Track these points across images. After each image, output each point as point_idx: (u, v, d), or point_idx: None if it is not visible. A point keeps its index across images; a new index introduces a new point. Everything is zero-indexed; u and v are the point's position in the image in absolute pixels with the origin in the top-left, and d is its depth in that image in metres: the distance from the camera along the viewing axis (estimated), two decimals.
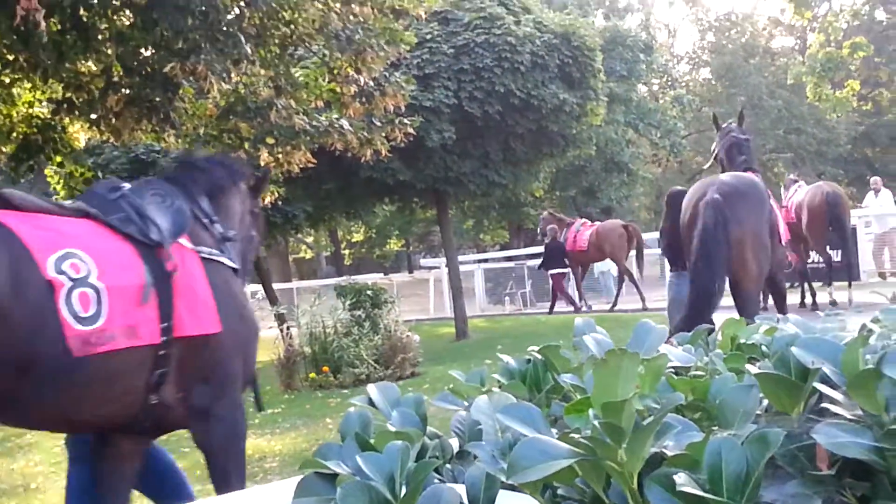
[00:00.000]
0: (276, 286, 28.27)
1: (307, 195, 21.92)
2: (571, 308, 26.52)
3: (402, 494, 1.44)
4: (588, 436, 1.31)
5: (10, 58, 10.25)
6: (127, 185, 5.26)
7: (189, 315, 4.85)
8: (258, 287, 24.84)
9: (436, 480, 1.55)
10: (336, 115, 12.19)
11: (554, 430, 1.47)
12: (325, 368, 16.38)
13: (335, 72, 11.81)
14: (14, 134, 11.92)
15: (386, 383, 1.96)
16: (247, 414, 5.35)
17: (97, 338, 4.39)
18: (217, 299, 5.05)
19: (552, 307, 26.92)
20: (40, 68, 10.06)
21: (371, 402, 1.89)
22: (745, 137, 11.42)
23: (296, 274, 58.61)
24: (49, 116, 11.89)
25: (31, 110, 12.00)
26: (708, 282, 9.66)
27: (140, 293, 4.64)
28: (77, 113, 11.25)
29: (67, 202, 5.12)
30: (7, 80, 11.02)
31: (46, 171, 15.18)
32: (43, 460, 8.75)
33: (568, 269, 26.97)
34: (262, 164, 11.99)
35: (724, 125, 11.86)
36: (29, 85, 11.36)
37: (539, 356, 2.04)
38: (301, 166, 12.43)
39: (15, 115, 11.81)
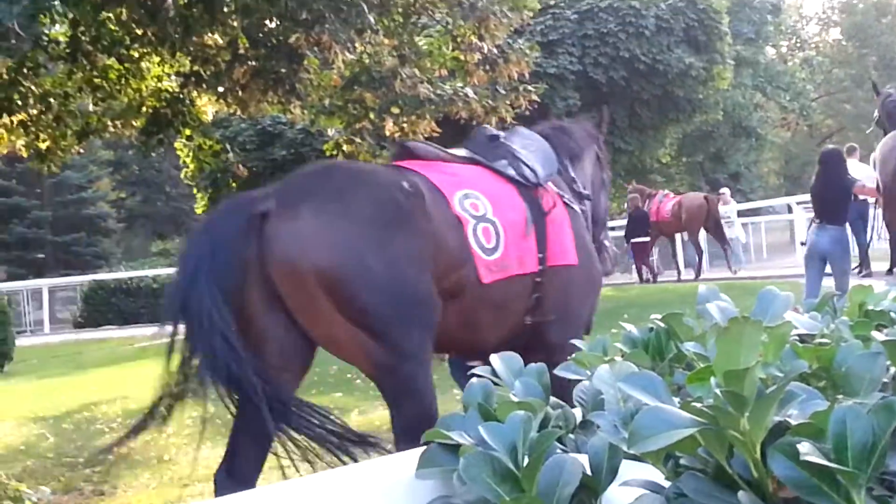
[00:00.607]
0: None
1: None
2: (650, 279, 26.58)
3: (524, 464, 1.44)
4: (710, 404, 1.30)
5: (139, 32, 10.45)
6: (503, 134, 6.23)
7: (557, 247, 5.67)
8: None
9: (558, 450, 1.55)
10: (460, 84, 12.22)
11: (676, 399, 1.46)
12: None
13: (458, 40, 11.83)
14: (144, 108, 12.14)
15: (509, 353, 1.96)
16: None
17: (498, 266, 5.24)
18: (575, 239, 5.89)
19: (641, 276, 26.71)
20: (168, 42, 10.25)
21: (494, 373, 1.90)
22: None
23: None
24: (177, 90, 12.09)
25: (159, 84, 12.23)
26: None
27: (524, 227, 5.50)
28: (204, 86, 11.45)
29: (456, 150, 5.93)
30: (136, 55, 11.23)
31: (176, 145, 15.47)
32: (176, 432, 8.85)
33: (648, 239, 26.70)
34: (388, 133, 12.07)
35: (882, 90, 12.31)
36: (157, 59, 11.57)
37: (662, 324, 2.03)
38: (426, 135, 12.46)
39: (144, 89, 12.04)
